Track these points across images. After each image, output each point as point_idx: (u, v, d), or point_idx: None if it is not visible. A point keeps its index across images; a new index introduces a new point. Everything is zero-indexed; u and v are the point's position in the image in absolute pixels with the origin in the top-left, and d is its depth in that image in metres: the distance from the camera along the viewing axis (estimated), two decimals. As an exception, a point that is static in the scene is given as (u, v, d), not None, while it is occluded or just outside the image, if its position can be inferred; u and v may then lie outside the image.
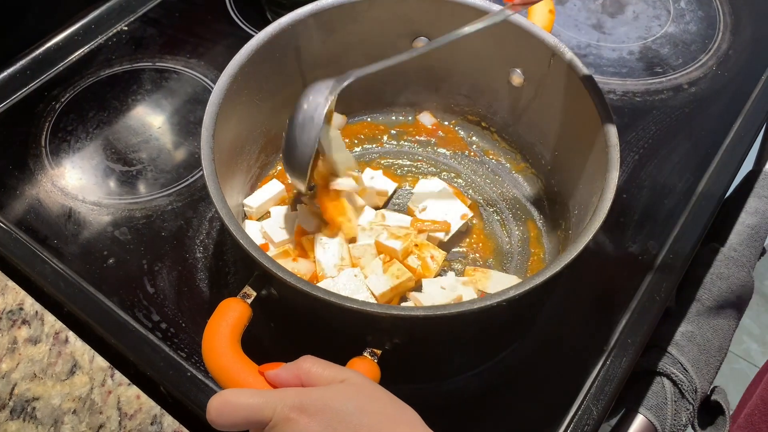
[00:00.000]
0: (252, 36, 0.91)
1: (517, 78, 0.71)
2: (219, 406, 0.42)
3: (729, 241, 0.83)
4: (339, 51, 0.72)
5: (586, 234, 0.52)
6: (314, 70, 0.72)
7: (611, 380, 0.63)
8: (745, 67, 0.89)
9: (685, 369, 0.72)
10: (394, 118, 0.81)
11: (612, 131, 0.58)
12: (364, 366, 0.49)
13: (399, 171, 0.77)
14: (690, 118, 0.84)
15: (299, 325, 0.62)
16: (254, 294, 0.52)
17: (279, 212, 0.69)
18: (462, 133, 0.80)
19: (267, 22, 0.92)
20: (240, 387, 0.46)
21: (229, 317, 0.49)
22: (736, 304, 0.78)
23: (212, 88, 0.84)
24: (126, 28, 0.93)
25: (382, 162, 0.78)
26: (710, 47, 0.92)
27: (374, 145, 0.79)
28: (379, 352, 0.51)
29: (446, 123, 0.80)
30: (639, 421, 0.69)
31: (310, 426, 0.41)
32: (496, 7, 0.66)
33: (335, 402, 0.42)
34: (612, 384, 0.63)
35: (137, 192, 0.76)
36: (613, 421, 0.71)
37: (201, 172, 0.77)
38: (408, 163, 0.77)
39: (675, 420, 0.70)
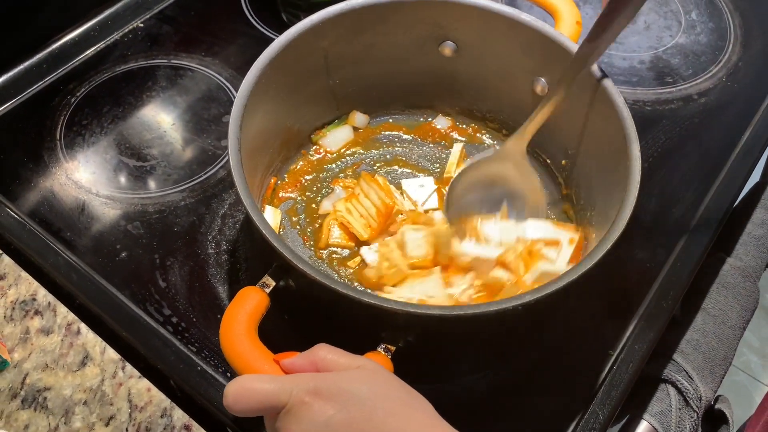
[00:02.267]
0: (266, 36, 0.93)
1: (540, 87, 0.71)
2: (236, 392, 0.43)
3: (735, 251, 0.84)
4: (365, 51, 0.73)
5: (603, 244, 0.53)
6: (340, 68, 0.73)
7: (618, 385, 0.63)
8: (754, 79, 0.90)
9: (690, 377, 0.73)
10: (415, 119, 0.82)
11: (634, 144, 0.59)
12: (378, 361, 0.50)
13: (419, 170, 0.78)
14: (699, 129, 0.84)
15: (314, 317, 0.63)
16: (273, 284, 0.52)
17: None
18: (479, 137, 0.81)
19: (282, 23, 0.94)
20: (256, 374, 0.46)
21: (248, 305, 0.50)
22: (742, 314, 0.79)
23: (226, 87, 0.86)
24: (142, 25, 0.94)
25: (402, 162, 0.78)
26: (720, 59, 0.93)
27: (395, 147, 0.80)
28: (393, 348, 0.51)
29: (464, 126, 0.81)
30: (643, 427, 0.70)
31: (325, 409, 0.42)
32: (525, 16, 0.67)
33: (350, 386, 0.43)
34: (618, 389, 0.63)
35: (150, 187, 0.77)
36: (617, 428, 0.72)
37: (214, 169, 0.78)
38: (429, 165, 0.78)
39: (679, 428, 0.71)
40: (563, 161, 0.73)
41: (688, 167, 0.80)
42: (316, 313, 0.62)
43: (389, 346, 0.51)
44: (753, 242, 0.84)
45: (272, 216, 0.71)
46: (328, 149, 0.77)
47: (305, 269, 0.50)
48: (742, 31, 0.97)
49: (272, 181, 0.74)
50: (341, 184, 0.75)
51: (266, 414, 0.44)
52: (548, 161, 0.76)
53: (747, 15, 0.99)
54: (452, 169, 0.75)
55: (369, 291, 0.50)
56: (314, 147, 0.78)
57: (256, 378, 0.44)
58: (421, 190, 0.74)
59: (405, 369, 0.52)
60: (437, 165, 0.78)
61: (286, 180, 0.75)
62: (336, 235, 0.70)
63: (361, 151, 0.79)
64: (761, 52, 0.94)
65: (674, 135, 0.83)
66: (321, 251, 0.70)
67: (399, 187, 0.74)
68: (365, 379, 0.44)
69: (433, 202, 0.74)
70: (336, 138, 0.78)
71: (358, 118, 0.79)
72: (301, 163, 0.77)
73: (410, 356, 0.54)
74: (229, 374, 0.62)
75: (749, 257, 0.83)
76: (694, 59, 0.93)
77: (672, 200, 0.77)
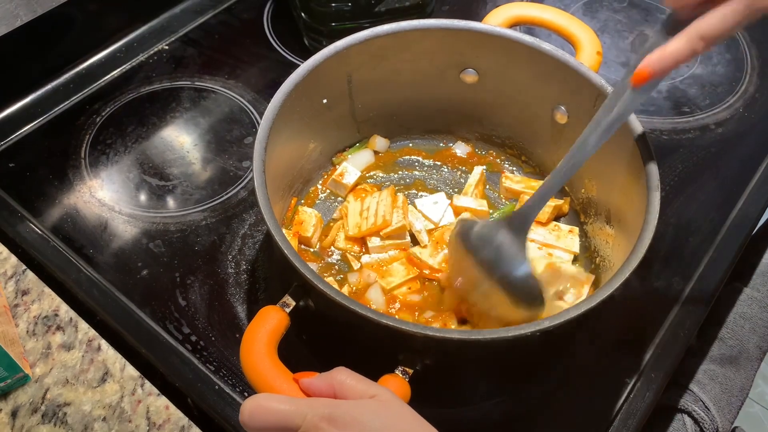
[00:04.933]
0: (288, 60, 0.95)
1: (560, 115, 0.72)
2: (252, 409, 0.44)
3: (752, 281, 0.84)
4: (388, 77, 0.74)
5: (621, 274, 0.53)
6: (363, 93, 0.75)
7: (634, 414, 0.63)
8: (771, 110, 0.91)
9: (706, 407, 0.72)
10: (435, 144, 0.83)
11: (654, 174, 0.59)
12: (395, 383, 0.50)
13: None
14: (716, 158, 0.85)
15: (332, 338, 0.63)
16: (293, 304, 0.53)
17: None
18: (499, 163, 0.82)
19: (304, 48, 0.95)
20: (274, 392, 0.47)
21: (269, 324, 0.50)
22: (759, 344, 0.78)
23: (248, 109, 0.88)
24: (167, 47, 0.96)
25: (421, 185, 0.79)
26: (737, 89, 0.93)
27: (414, 171, 0.81)
28: (410, 371, 0.52)
29: (483, 153, 0.82)
30: (659, 457, 0.69)
31: None
32: (546, 45, 0.68)
33: (364, 417, 0.43)
34: (635, 418, 0.63)
35: (172, 206, 0.78)
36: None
37: (235, 190, 0.79)
38: (448, 189, 0.79)
39: (695, 458, 0.70)
40: (582, 189, 0.74)
41: (705, 196, 0.80)
42: (334, 334, 0.62)
43: (407, 369, 0.52)
44: (770, 273, 0.84)
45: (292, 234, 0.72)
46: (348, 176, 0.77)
47: (326, 290, 0.50)
48: (759, 62, 0.97)
49: (292, 201, 0.75)
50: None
51: None
52: (566, 188, 0.77)
53: (764, 47, 1.00)
54: (470, 189, 0.76)
55: (385, 314, 0.51)
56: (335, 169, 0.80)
57: (272, 397, 0.45)
58: (435, 207, 0.74)
59: (422, 392, 0.52)
60: (456, 190, 0.79)
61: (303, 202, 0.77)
62: (342, 238, 0.72)
63: (382, 174, 0.80)
64: (778, 83, 0.94)
65: (691, 164, 0.84)
66: (325, 253, 0.72)
67: (415, 207, 0.75)
68: (379, 411, 0.44)
69: (449, 217, 0.74)
70: (357, 161, 0.79)
71: (379, 142, 0.81)
72: (318, 184, 0.78)
73: (428, 380, 0.54)
74: (246, 394, 0.63)
75: (767, 288, 0.82)
76: (711, 89, 0.93)
77: (689, 229, 0.77)
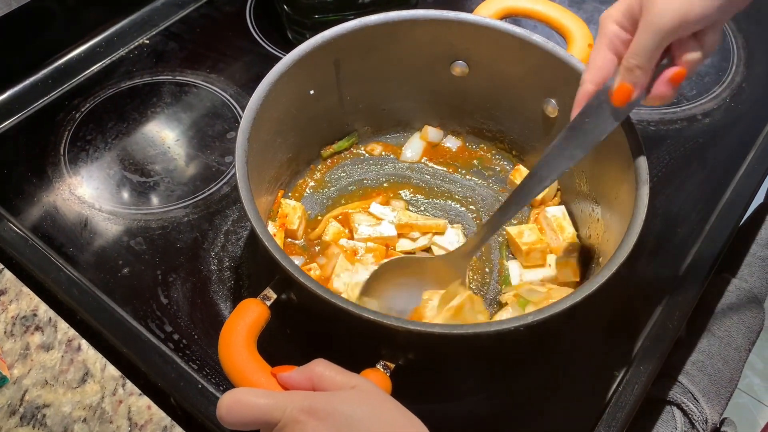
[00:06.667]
0: (272, 54, 0.93)
1: (551, 108, 0.71)
2: (229, 404, 0.43)
3: (740, 272, 0.83)
4: (377, 67, 0.73)
5: (608, 268, 0.52)
6: (351, 84, 0.73)
7: (623, 407, 0.63)
8: (758, 99, 0.90)
9: (695, 399, 0.72)
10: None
11: (643, 168, 0.58)
12: (377, 378, 0.49)
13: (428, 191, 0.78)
14: (704, 149, 0.84)
15: (315, 332, 0.62)
16: (274, 297, 0.52)
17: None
18: (489, 157, 0.81)
19: (287, 41, 0.94)
20: (252, 387, 0.46)
21: (248, 317, 0.49)
22: (747, 335, 0.78)
23: (231, 104, 0.86)
24: (147, 42, 0.94)
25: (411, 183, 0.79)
26: (724, 79, 0.93)
27: (404, 164, 0.80)
28: (392, 365, 0.51)
29: (474, 147, 0.81)
30: (649, 450, 0.69)
31: (318, 429, 0.42)
32: (537, 37, 0.67)
33: (345, 407, 0.43)
34: (624, 411, 0.62)
35: (153, 203, 0.76)
36: (622, 450, 0.71)
37: (218, 185, 0.78)
38: (437, 182, 0.78)
39: (685, 450, 0.70)
40: (574, 184, 0.73)
41: (692, 187, 0.80)
42: (316, 328, 0.62)
43: (388, 364, 0.51)
44: (758, 263, 0.84)
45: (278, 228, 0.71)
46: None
47: (306, 282, 0.49)
48: (746, 52, 0.97)
49: (279, 194, 0.74)
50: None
51: (260, 429, 0.44)
52: (557, 183, 0.76)
53: (750, 36, 0.99)
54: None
55: (367, 308, 0.50)
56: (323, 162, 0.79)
57: (251, 392, 0.44)
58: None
59: (405, 388, 0.51)
60: (444, 184, 0.78)
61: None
62: (330, 232, 0.71)
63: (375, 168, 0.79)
64: (765, 73, 0.94)
65: (678, 155, 0.83)
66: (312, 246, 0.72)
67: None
68: (360, 400, 0.43)
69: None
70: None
71: (431, 132, 0.81)
72: (307, 178, 0.77)
73: (410, 375, 0.53)
74: (230, 392, 0.62)
75: (754, 278, 0.82)
76: (697, 80, 0.93)
77: (677, 220, 0.77)
